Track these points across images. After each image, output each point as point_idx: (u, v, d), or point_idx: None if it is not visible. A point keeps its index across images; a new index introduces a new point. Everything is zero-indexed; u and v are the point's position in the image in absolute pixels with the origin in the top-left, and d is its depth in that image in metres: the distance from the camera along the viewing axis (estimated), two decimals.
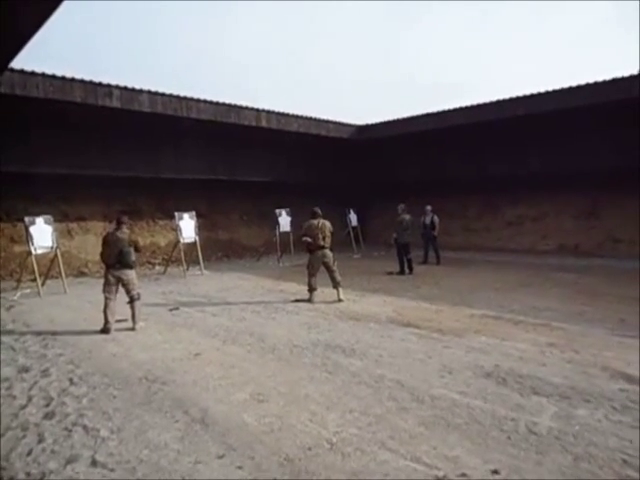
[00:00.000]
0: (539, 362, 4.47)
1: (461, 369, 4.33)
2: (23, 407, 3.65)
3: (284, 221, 13.32)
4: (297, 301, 7.65)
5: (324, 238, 7.59)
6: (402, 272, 10.32)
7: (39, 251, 8.88)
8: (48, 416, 3.49)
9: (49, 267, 9.59)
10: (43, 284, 9.33)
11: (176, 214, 11.31)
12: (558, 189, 13.40)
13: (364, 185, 16.92)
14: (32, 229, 8.90)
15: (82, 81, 9.84)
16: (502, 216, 15.15)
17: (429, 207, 12.07)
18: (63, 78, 9.59)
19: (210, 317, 6.71)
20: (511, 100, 11.99)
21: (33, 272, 8.97)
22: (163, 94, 11.11)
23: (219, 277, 10.72)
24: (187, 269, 11.52)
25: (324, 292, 8.29)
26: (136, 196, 13.41)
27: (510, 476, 2.62)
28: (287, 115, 13.74)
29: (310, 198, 15.47)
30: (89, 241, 12.61)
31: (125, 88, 10.45)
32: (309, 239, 7.59)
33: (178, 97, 11.34)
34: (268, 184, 14.93)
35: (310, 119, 14.38)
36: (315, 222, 7.64)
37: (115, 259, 5.90)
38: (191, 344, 5.34)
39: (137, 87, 10.62)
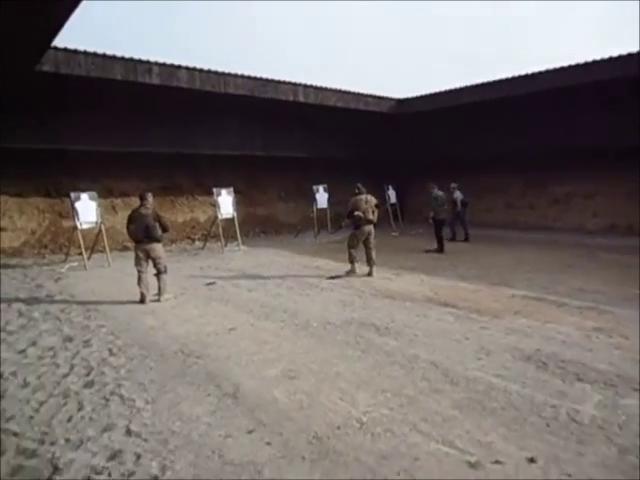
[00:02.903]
0: (584, 347, 4.25)
1: (499, 351, 4.18)
2: (65, 375, 3.80)
3: (321, 197, 13.24)
4: (332, 278, 7.61)
5: (373, 212, 7.68)
6: (441, 250, 10.14)
7: (84, 226, 9.20)
8: (88, 385, 3.62)
9: (94, 241, 9.95)
10: (89, 258, 9.70)
11: (214, 190, 11.43)
12: (610, 165, 12.61)
13: (403, 161, 16.51)
14: (77, 205, 9.21)
15: (123, 58, 9.95)
16: (549, 193, 14.44)
17: (454, 184, 11.96)
18: (104, 56, 9.72)
19: (245, 292, 6.78)
20: (556, 70, 11.29)
21: (80, 246, 9.34)
22: (201, 70, 11.11)
23: (256, 253, 10.81)
24: (225, 245, 11.68)
25: (360, 269, 8.22)
26: (176, 172, 13.61)
27: (548, 466, 2.50)
28: (325, 89, 13.49)
29: (348, 174, 15.30)
30: None
31: (164, 64, 10.52)
32: (361, 214, 7.58)
33: (216, 72, 11.31)
34: (306, 160, 14.81)
35: (348, 93, 14.07)
36: (363, 197, 7.70)
37: (143, 234, 6.14)
38: (226, 319, 5.40)
39: (176, 63, 10.68)
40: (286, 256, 10.18)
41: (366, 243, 7.75)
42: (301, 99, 13.01)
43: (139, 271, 6.18)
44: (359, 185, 7.93)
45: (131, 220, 6.23)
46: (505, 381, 3.56)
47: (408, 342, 4.49)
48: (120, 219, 12.92)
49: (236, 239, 11.63)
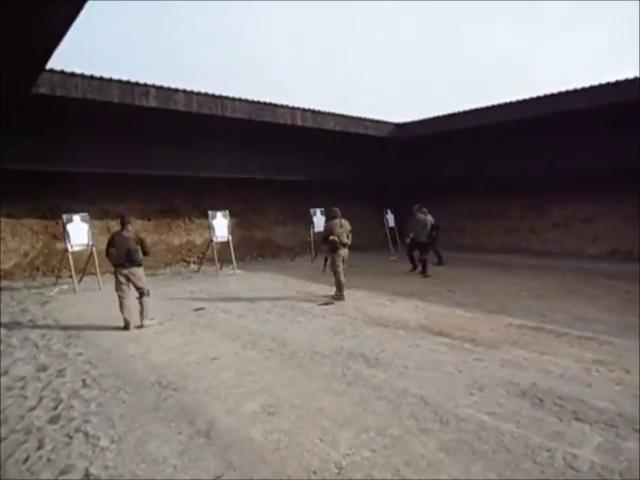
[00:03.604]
0: (583, 382, 4.02)
1: (493, 386, 3.95)
2: (31, 409, 3.59)
3: (319, 221, 13.10)
4: (325, 304, 7.40)
5: (347, 236, 7.83)
6: (415, 269, 10.60)
7: (75, 248, 9.06)
8: (53, 420, 3.41)
9: (85, 264, 9.79)
10: (80, 280, 9.55)
11: (209, 213, 11.33)
12: (609, 188, 12.48)
13: (402, 185, 16.45)
14: (69, 227, 9.10)
15: (119, 81, 9.97)
16: (548, 217, 14.29)
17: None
18: (101, 78, 9.75)
19: (234, 318, 6.57)
20: (555, 95, 11.28)
21: (71, 269, 9.18)
22: (198, 93, 11.13)
23: (251, 277, 10.63)
24: (220, 268, 11.51)
25: (355, 294, 8.03)
26: (173, 195, 13.54)
27: None
28: (323, 113, 13.51)
29: (346, 198, 15.24)
30: None
31: (161, 87, 10.54)
32: (336, 238, 7.71)
33: (213, 96, 11.34)
34: (304, 183, 14.76)
35: (347, 117, 14.09)
36: (338, 221, 7.83)
37: (124, 258, 6.01)
38: (211, 347, 5.19)
39: (173, 86, 10.70)
40: (281, 280, 10.00)
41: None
42: (299, 123, 13.01)
43: (120, 297, 6.01)
44: (334, 209, 8.01)
45: (112, 244, 6.09)
46: (498, 420, 3.33)
47: (398, 375, 4.27)
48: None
49: (232, 262, 11.47)
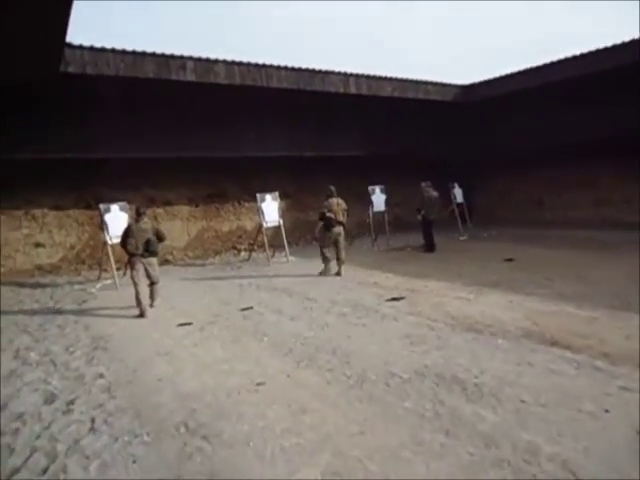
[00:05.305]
0: None
1: None
2: (15, 471, 2.66)
3: (378, 199, 11.76)
4: (394, 300, 6.16)
5: (343, 214, 8.23)
6: (430, 249, 10.24)
7: (114, 240, 8.31)
8: None
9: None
10: (125, 274, 8.86)
11: (258, 196, 10.32)
12: None
13: (470, 155, 14.66)
14: (107, 217, 8.38)
15: (154, 54, 9.07)
16: None
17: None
18: (134, 52, 8.87)
19: (286, 321, 5.49)
20: None
21: (115, 262, 8.51)
22: (240, 63, 10.04)
23: (305, 264, 9.53)
24: (272, 255, 10.53)
25: (427, 286, 6.75)
26: (220, 178, 12.65)
27: None
28: (379, 78, 12.04)
29: (408, 172, 13.76)
30: (175, 227, 12.14)
31: (199, 59, 9.53)
32: (332, 215, 8.05)
33: (257, 65, 10.20)
34: (360, 158, 13.39)
35: (406, 81, 12.52)
36: (335, 200, 8.21)
37: (143, 248, 6.19)
38: (256, 364, 4.13)
39: (212, 57, 9.67)
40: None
41: (336, 243, 8.16)
42: (352, 90, 11.65)
43: (136, 284, 6.13)
44: (331, 187, 8.39)
45: (129, 234, 6.22)
46: None
47: (514, 415, 2.99)
48: (164, 230, 12.18)
49: (284, 249, 10.44)
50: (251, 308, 6.14)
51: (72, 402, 3.53)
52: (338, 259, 8.20)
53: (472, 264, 8.41)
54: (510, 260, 8.49)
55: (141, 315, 6.04)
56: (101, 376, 4.04)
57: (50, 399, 3.61)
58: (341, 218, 8.17)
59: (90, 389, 3.77)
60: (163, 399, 3.53)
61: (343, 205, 8.28)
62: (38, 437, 3.03)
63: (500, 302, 5.75)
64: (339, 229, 8.13)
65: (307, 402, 3.34)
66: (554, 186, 14.15)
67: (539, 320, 4.91)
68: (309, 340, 4.72)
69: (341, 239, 8.17)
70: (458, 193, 13.56)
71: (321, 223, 8.26)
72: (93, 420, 3.22)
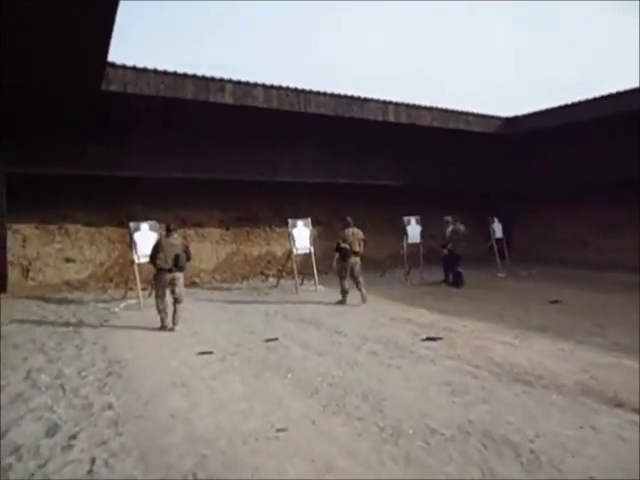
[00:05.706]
0: None
1: None
2: None
3: (413, 231, 11.33)
4: (431, 339, 5.67)
5: (359, 245, 8.20)
6: (448, 282, 10.09)
7: (142, 259, 8.16)
8: None
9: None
10: (150, 294, 8.66)
11: (289, 221, 10.07)
12: None
13: (511, 189, 14.10)
14: (136, 235, 8.26)
15: (194, 76, 9.10)
16: None
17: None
18: (175, 74, 8.91)
19: (313, 356, 5.08)
20: None
21: (140, 281, 8.34)
22: (279, 87, 9.98)
23: (334, 294, 9.05)
24: (301, 283, 10.19)
25: (467, 327, 6.23)
26: (252, 201, 12.51)
27: None
28: (419, 107, 11.79)
29: (445, 204, 13.24)
30: (204, 249, 12.00)
31: (238, 82, 9.52)
32: (347, 246, 8.03)
33: (295, 90, 10.12)
34: (396, 188, 13.04)
35: (446, 111, 12.22)
36: (350, 230, 8.20)
37: (172, 263, 6.26)
38: (278, 406, 3.73)
39: (251, 81, 9.64)
40: (370, 301, 8.36)
41: (352, 273, 8.10)
42: (391, 119, 11.42)
43: (161, 297, 6.28)
44: (347, 218, 8.37)
45: (159, 249, 6.33)
46: None
47: None
48: (192, 251, 11.95)
49: (313, 277, 10.08)
50: (276, 339, 5.76)
51: (74, 436, 3.20)
52: (358, 289, 8.15)
53: (514, 304, 7.83)
54: (556, 302, 7.87)
55: (162, 328, 6.18)
56: (110, 407, 3.72)
57: (52, 431, 3.29)
58: (357, 248, 8.14)
59: (96, 422, 3.44)
60: (173, 440, 3.16)
61: (360, 235, 8.26)
62: (32, 476, 2.69)
63: (549, 350, 5.18)
64: (355, 259, 8.09)
65: (334, 458, 2.91)
66: (599, 226, 13.38)
67: (597, 374, 4.34)
68: (337, 380, 4.30)
69: (357, 268, 8.12)
70: (497, 228, 12.97)
71: (337, 254, 8.19)
72: (93, 461, 2.87)
